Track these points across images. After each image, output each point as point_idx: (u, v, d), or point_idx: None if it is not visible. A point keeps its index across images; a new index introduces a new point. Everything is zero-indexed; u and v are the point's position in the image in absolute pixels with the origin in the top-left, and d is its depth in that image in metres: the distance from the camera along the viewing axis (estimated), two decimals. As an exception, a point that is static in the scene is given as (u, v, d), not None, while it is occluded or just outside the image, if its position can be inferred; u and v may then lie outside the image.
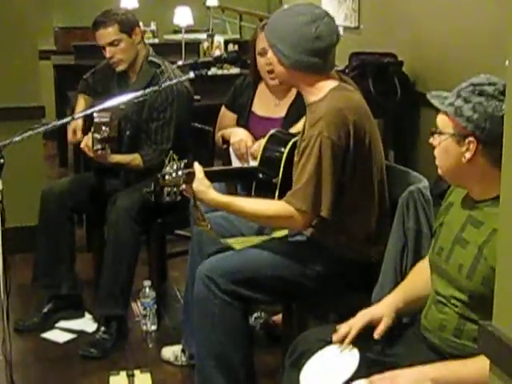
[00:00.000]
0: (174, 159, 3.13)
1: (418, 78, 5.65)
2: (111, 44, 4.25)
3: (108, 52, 4.27)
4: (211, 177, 3.21)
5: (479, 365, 2.12)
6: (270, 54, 3.23)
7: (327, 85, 3.15)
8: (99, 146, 4.01)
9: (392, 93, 5.50)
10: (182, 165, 3.14)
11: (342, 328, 2.58)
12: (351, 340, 2.54)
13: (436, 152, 2.43)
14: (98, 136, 4.00)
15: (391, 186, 3.35)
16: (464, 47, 5.03)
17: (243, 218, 3.25)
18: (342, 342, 2.55)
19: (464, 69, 4.84)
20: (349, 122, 3.04)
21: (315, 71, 3.13)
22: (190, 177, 3.14)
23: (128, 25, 4.29)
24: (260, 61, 3.90)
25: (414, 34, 5.74)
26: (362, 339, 2.55)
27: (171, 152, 3.21)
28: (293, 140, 3.41)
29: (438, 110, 2.41)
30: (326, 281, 3.20)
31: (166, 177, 3.12)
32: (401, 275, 3.05)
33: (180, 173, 3.12)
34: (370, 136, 3.13)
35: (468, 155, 2.33)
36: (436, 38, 5.42)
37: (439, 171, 2.47)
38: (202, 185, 3.13)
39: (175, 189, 3.13)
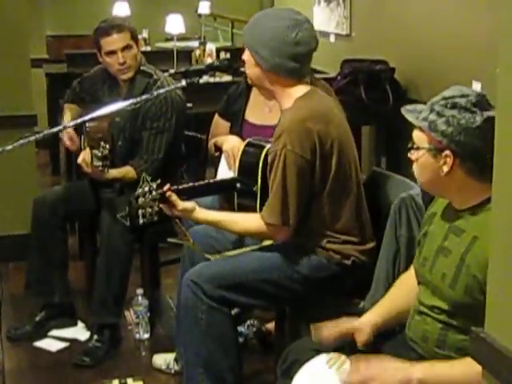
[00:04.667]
0: (146, 180, 3.18)
1: (409, 85, 5.66)
2: (124, 49, 4.20)
3: (121, 57, 4.19)
4: (188, 193, 3.24)
5: (466, 366, 2.13)
6: (245, 55, 3.26)
7: (296, 92, 3.20)
8: (100, 163, 3.98)
9: (384, 100, 5.51)
10: (155, 185, 3.19)
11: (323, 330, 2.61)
12: (329, 343, 2.57)
13: (414, 167, 2.44)
14: (98, 153, 3.97)
15: (383, 193, 3.37)
16: (456, 54, 5.04)
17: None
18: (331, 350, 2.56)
19: (456, 76, 4.85)
20: (312, 132, 3.08)
21: (291, 75, 3.19)
22: (164, 197, 3.19)
23: (135, 33, 4.30)
24: None
25: (406, 41, 5.76)
26: (354, 349, 2.55)
27: (144, 174, 3.26)
28: (268, 145, 3.40)
29: (413, 125, 2.42)
30: (313, 284, 3.22)
31: (140, 199, 3.17)
32: (393, 282, 3.05)
33: (154, 193, 3.17)
34: (339, 142, 3.15)
35: (445, 169, 2.33)
36: (428, 45, 5.44)
37: (419, 184, 2.49)
38: (186, 211, 3.22)
39: (150, 210, 3.17)
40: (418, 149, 2.39)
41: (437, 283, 2.40)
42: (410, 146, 2.42)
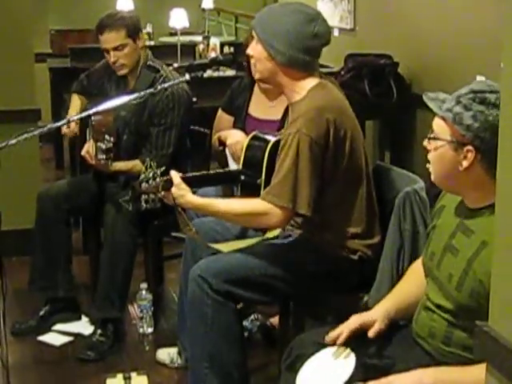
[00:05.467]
0: (151, 167, 3.16)
1: (413, 80, 5.65)
2: (116, 48, 4.20)
3: (112, 56, 4.21)
4: (192, 183, 3.23)
5: (478, 371, 2.07)
6: (254, 49, 3.23)
7: (308, 84, 3.19)
8: (104, 156, 3.96)
9: (388, 94, 5.49)
10: (159, 172, 3.17)
11: (335, 330, 2.56)
12: (343, 341, 2.52)
13: (430, 157, 2.38)
14: (102, 146, 3.95)
15: (387, 187, 3.36)
16: (460, 48, 5.03)
17: (222, 219, 3.31)
18: (335, 344, 2.55)
19: (460, 70, 4.84)
20: (328, 120, 3.07)
21: (305, 68, 3.18)
22: (168, 184, 3.17)
23: (134, 30, 4.26)
24: None
25: (410, 35, 5.74)
26: (358, 343, 2.53)
27: (148, 159, 3.24)
28: (274, 139, 3.40)
29: (434, 113, 2.34)
30: (319, 280, 3.21)
31: (143, 184, 3.16)
32: (397, 276, 3.05)
33: (158, 180, 3.16)
34: (351, 134, 3.15)
35: (465, 164, 2.27)
36: (432, 39, 5.42)
37: (432, 177, 2.40)
38: (179, 190, 3.16)
39: (153, 196, 3.16)
40: (437, 139, 2.32)
41: (444, 282, 2.38)
42: (429, 135, 2.35)
